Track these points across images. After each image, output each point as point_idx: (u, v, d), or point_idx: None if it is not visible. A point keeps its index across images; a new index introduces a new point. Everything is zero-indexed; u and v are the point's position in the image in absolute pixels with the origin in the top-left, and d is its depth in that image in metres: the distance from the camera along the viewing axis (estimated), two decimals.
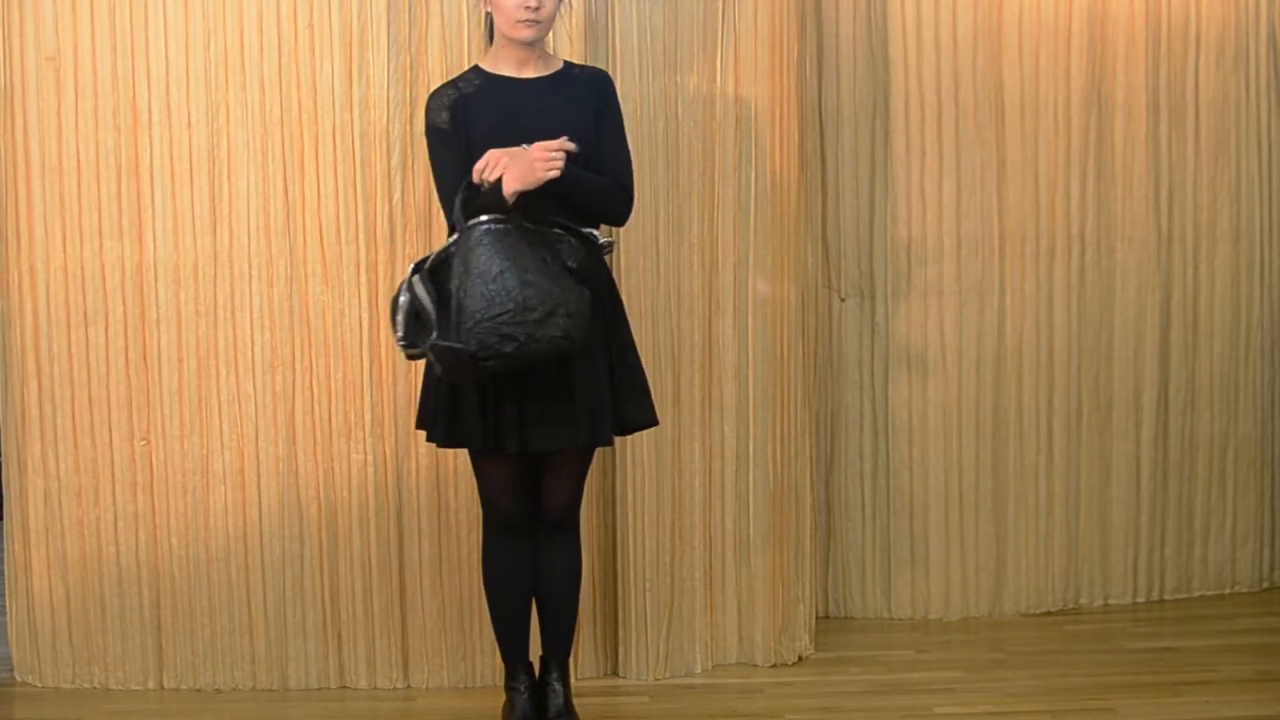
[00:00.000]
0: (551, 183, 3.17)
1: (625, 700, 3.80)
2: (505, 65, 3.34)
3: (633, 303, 3.72)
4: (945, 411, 4.36)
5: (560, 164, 3.16)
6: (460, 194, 3.20)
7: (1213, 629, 4.29)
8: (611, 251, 3.28)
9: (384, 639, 3.88)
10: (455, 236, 3.17)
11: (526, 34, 3.26)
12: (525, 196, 3.15)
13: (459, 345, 3.09)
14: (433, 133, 3.33)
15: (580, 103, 3.33)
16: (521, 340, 3.07)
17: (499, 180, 3.13)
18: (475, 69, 3.38)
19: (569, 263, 3.18)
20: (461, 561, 3.86)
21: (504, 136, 3.23)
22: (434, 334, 3.12)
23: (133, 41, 3.76)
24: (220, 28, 3.76)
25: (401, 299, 3.16)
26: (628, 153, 3.39)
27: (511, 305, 3.07)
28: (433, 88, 3.63)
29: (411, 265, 3.22)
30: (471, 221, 3.14)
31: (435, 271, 3.17)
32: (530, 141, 3.20)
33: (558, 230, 3.20)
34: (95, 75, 3.77)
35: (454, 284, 3.13)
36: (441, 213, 3.40)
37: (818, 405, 4.31)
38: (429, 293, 3.13)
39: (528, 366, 3.14)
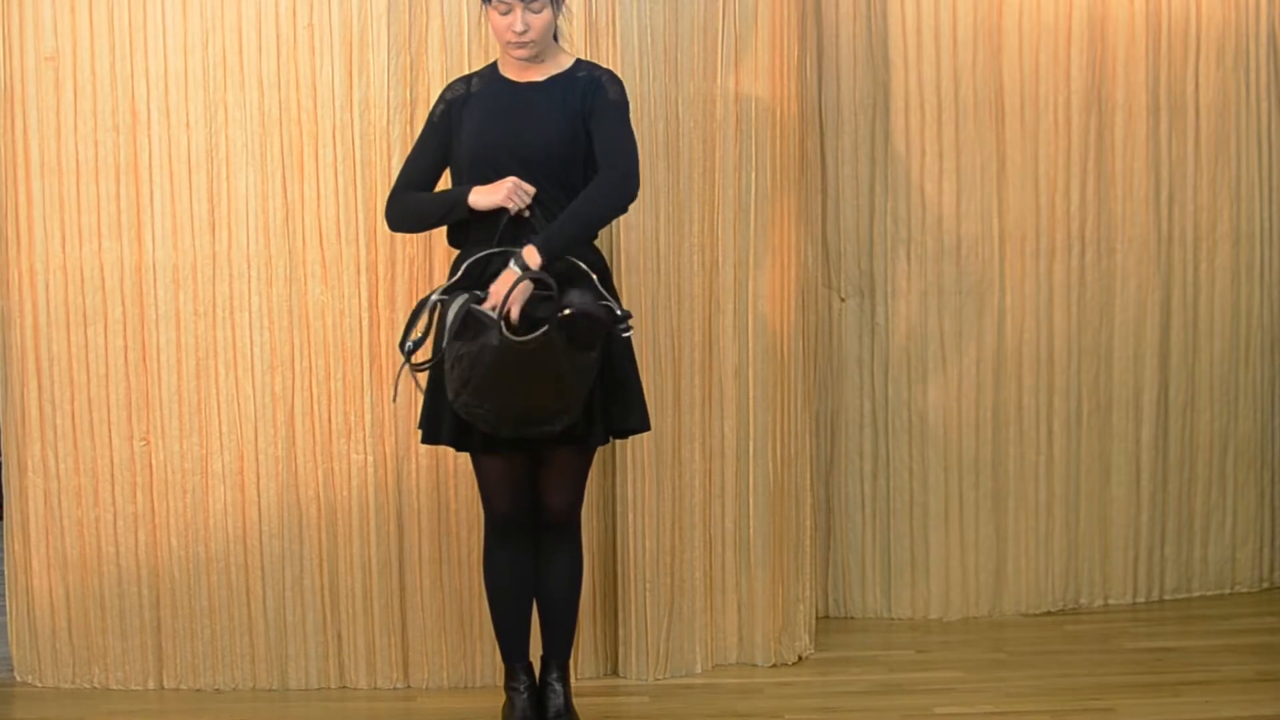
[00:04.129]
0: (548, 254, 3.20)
1: (625, 700, 3.80)
2: (509, 68, 3.36)
3: (633, 303, 3.72)
4: (945, 411, 4.36)
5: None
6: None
7: (1213, 629, 4.29)
8: (629, 331, 3.26)
9: (384, 639, 3.88)
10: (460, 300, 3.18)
11: (520, 54, 3.29)
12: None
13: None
14: (427, 119, 3.41)
15: (564, 107, 3.30)
16: (495, 425, 3.19)
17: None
18: (491, 66, 3.41)
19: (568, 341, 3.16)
20: (461, 561, 3.86)
21: (488, 139, 3.29)
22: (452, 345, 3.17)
23: (132, 42, 3.76)
24: (219, 28, 3.76)
25: (453, 308, 3.17)
26: (624, 138, 3.30)
27: (504, 413, 3.16)
28: (432, 88, 3.64)
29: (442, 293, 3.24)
30: (479, 339, 3.13)
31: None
32: (511, 143, 3.25)
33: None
34: (94, 75, 3.77)
35: (455, 353, 3.16)
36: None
37: (818, 405, 4.31)
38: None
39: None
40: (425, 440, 3.39)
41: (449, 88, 3.41)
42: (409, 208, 3.38)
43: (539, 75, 3.34)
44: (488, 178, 3.26)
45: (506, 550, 3.43)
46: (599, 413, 3.31)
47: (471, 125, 3.32)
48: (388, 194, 3.46)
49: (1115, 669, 3.94)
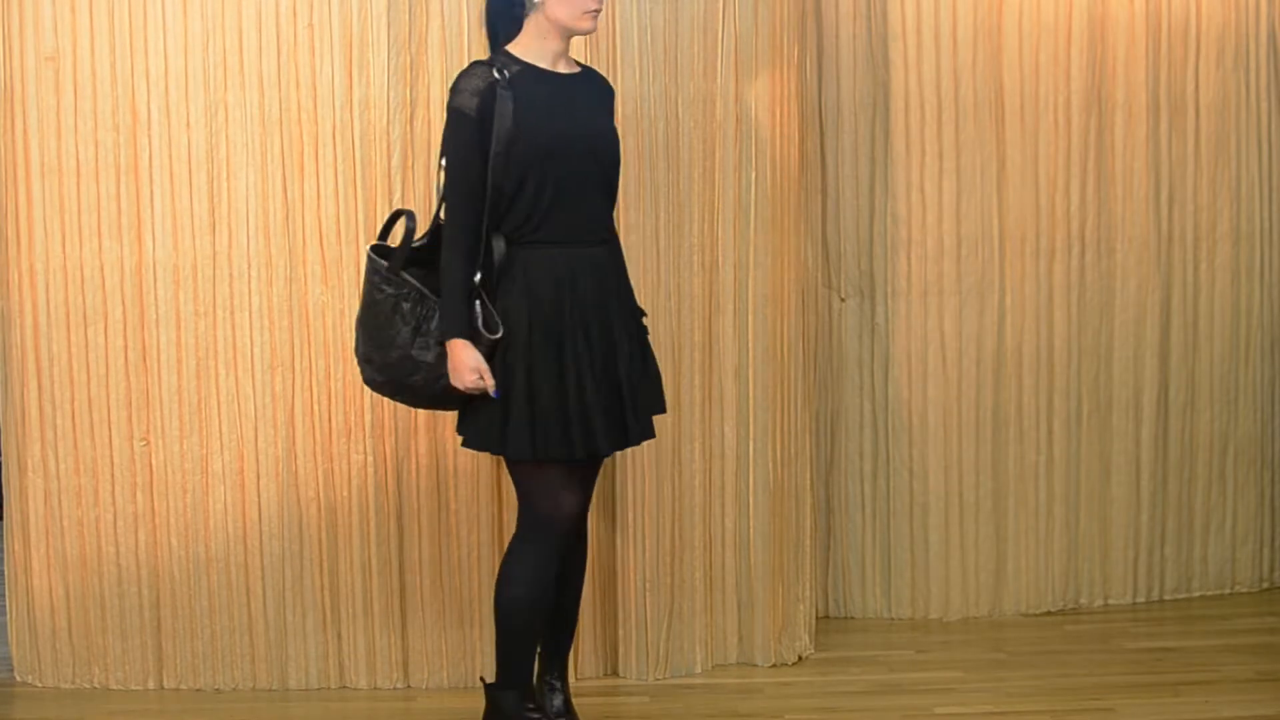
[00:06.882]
0: None
1: (625, 700, 3.80)
2: (541, 58, 3.24)
3: None
4: (945, 411, 4.36)
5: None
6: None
7: (1213, 629, 4.29)
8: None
9: (384, 639, 3.88)
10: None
11: (589, 25, 3.23)
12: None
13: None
14: (458, 116, 3.15)
15: (605, 102, 3.37)
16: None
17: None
18: (507, 53, 3.24)
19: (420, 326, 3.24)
20: (461, 561, 3.86)
21: (561, 130, 3.19)
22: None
23: (132, 41, 3.76)
24: (219, 28, 3.76)
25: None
26: None
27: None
28: (432, 88, 3.63)
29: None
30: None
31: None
32: (585, 134, 3.23)
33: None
34: (95, 75, 3.77)
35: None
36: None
37: (818, 405, 4.31)
38: None
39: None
40: (531, 457, 3.18)
41: (471, 77, 3.16)
42: (448, 270, 3.18)
43: (570, 69, 3.31)
44: (559, 175, 3.17)
45: (551, 561, 3.24)
46: (631, 411, 3.28)
47: (532, 109, 3.17)
48: (454, 209, 3.18)
49: (1115, 669, 3.94)
